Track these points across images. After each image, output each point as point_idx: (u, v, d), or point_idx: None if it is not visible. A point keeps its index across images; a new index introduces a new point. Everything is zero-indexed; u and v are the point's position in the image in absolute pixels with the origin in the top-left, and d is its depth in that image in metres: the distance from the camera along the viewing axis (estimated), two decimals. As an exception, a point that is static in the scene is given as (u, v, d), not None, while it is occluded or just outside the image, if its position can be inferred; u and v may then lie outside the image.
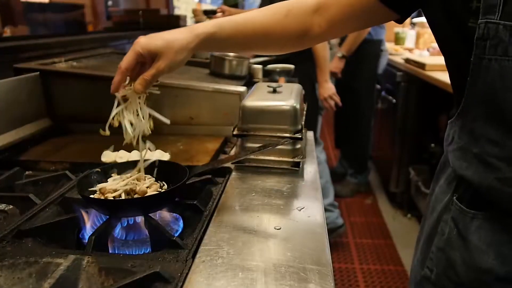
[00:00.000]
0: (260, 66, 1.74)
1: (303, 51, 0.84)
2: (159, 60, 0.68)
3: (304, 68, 2.23)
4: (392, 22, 0.74)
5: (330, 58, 2.53)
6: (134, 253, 0.64)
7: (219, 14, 2.62)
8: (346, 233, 2.55)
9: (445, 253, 0.69)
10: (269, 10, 0.76)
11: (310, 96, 1.85)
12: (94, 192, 0.71)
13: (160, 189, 0.73)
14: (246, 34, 0.74)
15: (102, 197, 0.69)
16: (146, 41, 0.68)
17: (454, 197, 0.67)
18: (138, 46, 0.68)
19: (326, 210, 2.41)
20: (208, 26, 0.72)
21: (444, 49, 0.66)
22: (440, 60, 1.42)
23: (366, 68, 2.83)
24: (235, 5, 5.74)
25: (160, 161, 0.80)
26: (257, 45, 0.78)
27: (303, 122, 0.97)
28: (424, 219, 0.79)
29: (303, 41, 0.78)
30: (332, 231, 2.38)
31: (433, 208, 0.74)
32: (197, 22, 3.97)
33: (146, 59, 0.70)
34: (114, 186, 0.71)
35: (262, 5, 2.85)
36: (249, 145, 0.94)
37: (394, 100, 2.81)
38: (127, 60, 0.68)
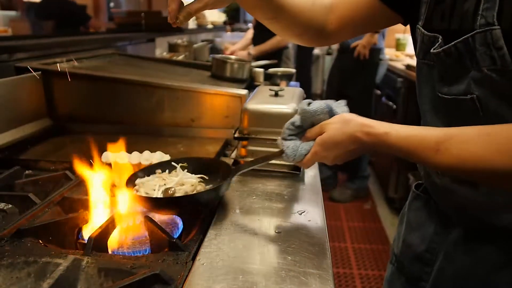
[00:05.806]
0: (261, 70, 1.75)
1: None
2: None
3: None
4: (394, 27, 0.75)
5: (329, 63, 2.55)
6: (133, 254, 0.64)
7: None
8: (344, 238, 2.55)
9: (398, 227, 0.83)
10: None
11: None
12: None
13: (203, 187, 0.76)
14: (277, 4, 0.73)
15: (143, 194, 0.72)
16: None
17: (414, 183, 0.79)
18: None
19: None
20: None
21: None
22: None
23: (363, 76, 2.81)
24: (237, 9, 5.77)
25: (204, 158, 0.82)
26: (284, 19, 0.77)
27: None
28: None
29: (320, 36, 0.79)
30: None
31: None
32: (199, 25, 3.98)
33: None
34: (153, 183, 0.74)
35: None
36: (250, 148, 0.94)
37: (394, 106, 2.81)
38: None
